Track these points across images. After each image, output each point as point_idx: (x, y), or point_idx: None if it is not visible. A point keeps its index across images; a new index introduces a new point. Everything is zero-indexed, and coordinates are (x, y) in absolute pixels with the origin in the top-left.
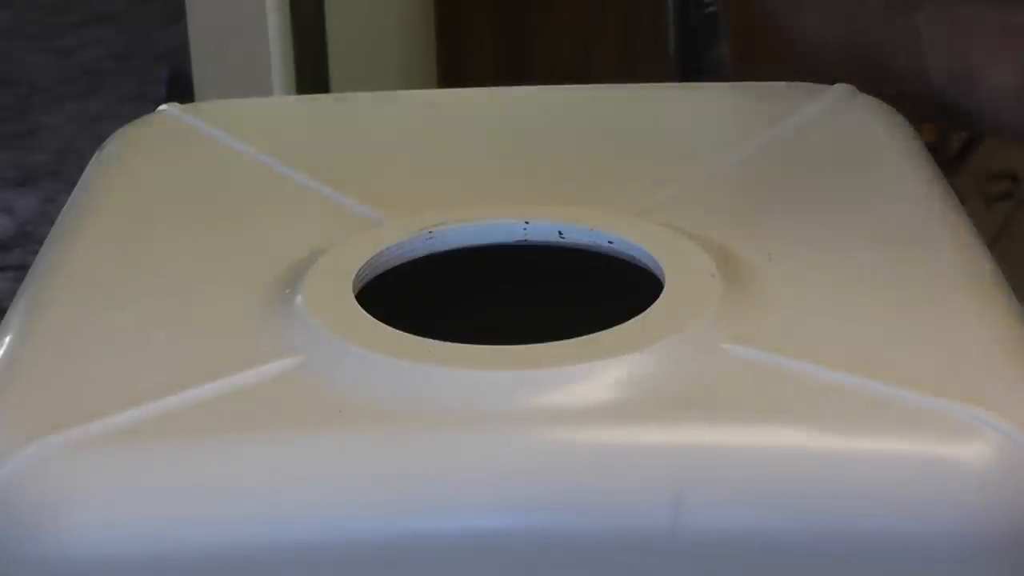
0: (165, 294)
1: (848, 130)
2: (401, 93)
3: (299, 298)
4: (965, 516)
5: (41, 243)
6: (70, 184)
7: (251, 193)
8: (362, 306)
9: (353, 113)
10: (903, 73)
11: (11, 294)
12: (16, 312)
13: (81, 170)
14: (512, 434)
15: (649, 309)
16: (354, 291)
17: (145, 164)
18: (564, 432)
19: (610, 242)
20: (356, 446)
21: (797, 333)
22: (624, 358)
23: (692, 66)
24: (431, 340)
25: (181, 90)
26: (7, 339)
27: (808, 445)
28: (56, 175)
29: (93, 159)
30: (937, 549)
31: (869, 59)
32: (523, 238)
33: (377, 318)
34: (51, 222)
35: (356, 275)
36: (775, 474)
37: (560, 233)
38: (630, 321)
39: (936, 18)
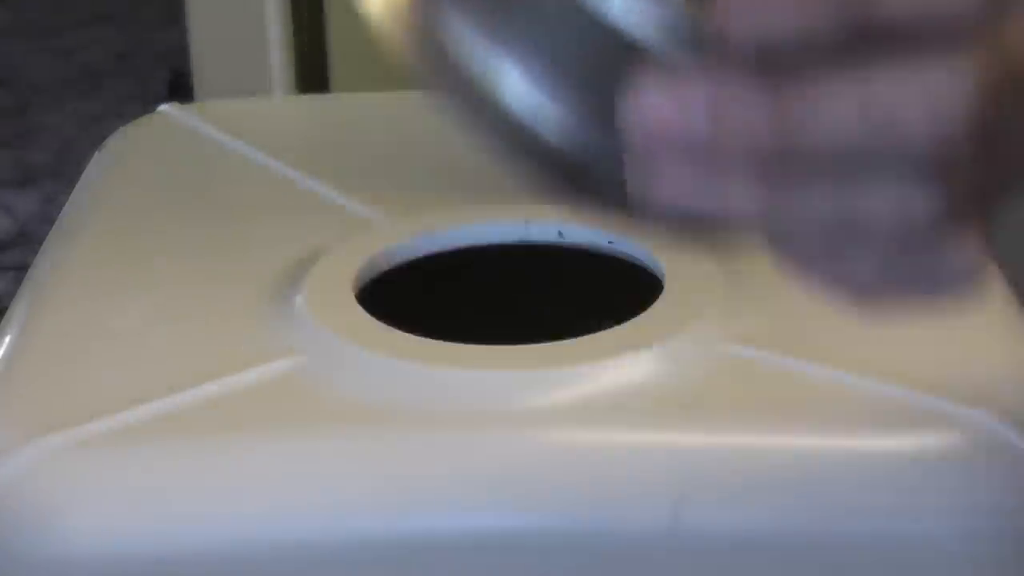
0: (165, 294)
1: None
2: (401, 93)
3: (299, 298)
4: (964, 516)
5: (41, 243)
6: (70, 184)
7: (251, 193)
8: (362, 306)
9: (353, 113)
10: None
11: (11, 294)
12: (16, 312)
13: (81, 170)
14: (512, 434)
15: (649, 309)
16: (354, 291)
17: (145, 164)
18: (564, 432)
19: (610, 242)
20: (356, 446)
21: (797, 333)
22: (624, 358)
23: None
24: (431, 340)
25: (181, 90)
26: (7, 339)
27: (808, 445)
28: (56, 175)
29: (93, 159)
30: (937, 549)
31: None
32: (523, 238)
33: (377, 318)
34: (51, 222)
35: (356, 275)
36: (775, 474)
37: (560, 233)
38: (630, 321)
39: None
